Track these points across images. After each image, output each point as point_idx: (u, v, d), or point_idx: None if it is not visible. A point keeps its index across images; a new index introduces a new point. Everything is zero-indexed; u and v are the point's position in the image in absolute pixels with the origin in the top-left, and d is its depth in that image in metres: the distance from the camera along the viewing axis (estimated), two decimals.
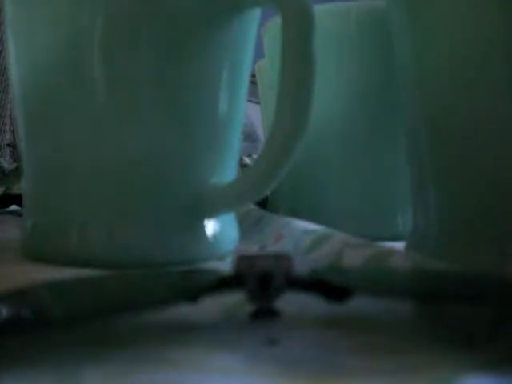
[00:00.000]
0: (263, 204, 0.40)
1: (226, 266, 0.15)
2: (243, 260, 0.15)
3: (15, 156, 0.99)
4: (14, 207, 0.44)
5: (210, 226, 0.24)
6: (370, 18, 0.33)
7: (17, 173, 0.48)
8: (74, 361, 0.12)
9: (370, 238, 0.24)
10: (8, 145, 1.07)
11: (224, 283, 0.14)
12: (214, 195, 0.24)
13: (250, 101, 0.29)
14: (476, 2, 0.20)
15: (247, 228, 0.31)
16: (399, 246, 0.25)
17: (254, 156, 0.65)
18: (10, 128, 1.11)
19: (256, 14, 0.25)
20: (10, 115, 1.10)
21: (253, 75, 0.31)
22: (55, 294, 0.14)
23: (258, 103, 0.47)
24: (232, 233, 0.25)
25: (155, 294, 0.14)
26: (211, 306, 0.15)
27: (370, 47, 0.33)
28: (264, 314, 0.15)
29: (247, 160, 0.60)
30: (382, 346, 0.13)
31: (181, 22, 0.23)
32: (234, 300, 0.15)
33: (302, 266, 0.16)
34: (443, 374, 0.11)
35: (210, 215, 0.24)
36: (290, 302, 0.15)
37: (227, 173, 0.25)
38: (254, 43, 0.26)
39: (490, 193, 0.21)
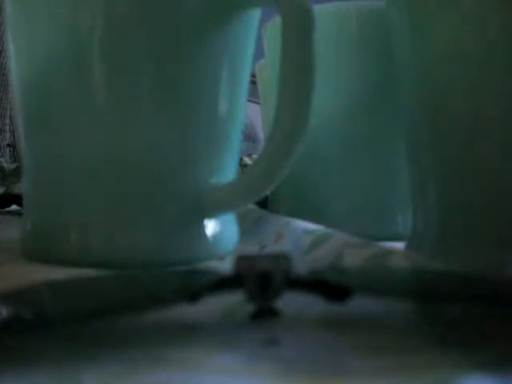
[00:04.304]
0: (263, 204, 0.40)
1: (226, 266, 0.15)
2: (243, 260, 0.15)
3: (15, 156, 0.99)
4: (14, 207, 0.44)
5: (210, 226, 0.24)
6: (369, 18, 0.33)
7: (17, 173, 0.48)
8: (73, 361, 0.12)
9: (370, 238, 0.24)
10: (8, 145, 1.07)
11: (224, 283, 0.14)
12: (214, 195, 0.24)
13: (250, 101, 0.29)
14: (476, 1, 0.20)
15: (247, 228, 0.31)
16: (399, 246, 0.25)
17: (254, 156, 0.65)
18: (9, 128, 1.11)
19: (256, 14, 0.25)
20: (10, 115, 1.10)
21: (253, 75, 0.31)
22: (55, 294, 0.14)
23: (258, 103, 0.47)
24: (232, 233, 0.25)
25: (155, 294, 0.14)
26: (211, 306, 0.15)
27: (370, 47, 0.33)
28: (264, 313, 0.15)
29: (247, 160, 0.60)
30: (382, 346, 0.13)
31: (181, 21, 0.23)
32: (234, 300, 0.15)
33: (301, 266, 0.16)
34: (443, 373, 0.11)
35: (210, 215, 0.24)
36: (290, 302, 0.15)
37: (227, 173, 0.25)
38: (254, 43, 0.26)
39: (490, 193, 0.21)
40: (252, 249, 0.27)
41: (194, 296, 0.14)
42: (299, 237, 0.26)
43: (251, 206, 0.36)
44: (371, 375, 0.11)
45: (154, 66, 0.22)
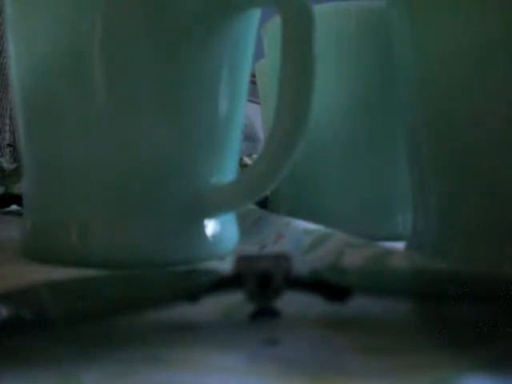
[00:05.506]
0: (263, 204, 0.40)
1: (225, 266, 0.15)
2: (243, 260, 0.15)
3: (15, 156, 0.99)
4: (14, 207, 0.44)
5: (210, 226, 0.24)
6: (369, 18, 0.33)
7: (17, 173, 0.48)
8: (74, 361, 0.12)
9: (370, 238, 0.24)
10: (8, 145, 1.07)
11: (224, 283, 0.14)
12: (214, 195, 0.24)
13: (249, 101, 0.29)
14: (476, 1, 0.20)
15: (247, 228, 0.31)
16: (399, 246, 0.25)
17: (254, 156, 0.65)
18: (9, 128, 1.11)
19: (256, 14, 0.25)
20: (10, 115, 1.10)
21: (253, 75, 0.31)
22: (55, 294, 0.14)
23: (258, 103, 0.47)
24: (232, 233, 0.25)
25: (155, 294, 0.14)
26: (211, 306, 0.15)
27: (370, 47, 0.33)
28: (264, 313, 0.15)
29: (247, 160, 0.60)
30: (382, 346, 0.13)
31: (180, 22, 0.23)
32: (234, 300, 0.15)
33: (301, 266, 0.16)
34: (443, 374, 0.11)
35: (210, 215, 0.24)
36: (290, 302, 0.15)
37: (227, 173, 0.25)
38: (254, 43, 0.26)
39: (490, 193, 0.21)
40: (252, 249, 0.27)
41: (194, 296, 0.14)
42: (299, 237, 0.26)
43: (251, 206, 0.36)
44: (371, 375, 0.11)
45: (154, 66, 0.22)
